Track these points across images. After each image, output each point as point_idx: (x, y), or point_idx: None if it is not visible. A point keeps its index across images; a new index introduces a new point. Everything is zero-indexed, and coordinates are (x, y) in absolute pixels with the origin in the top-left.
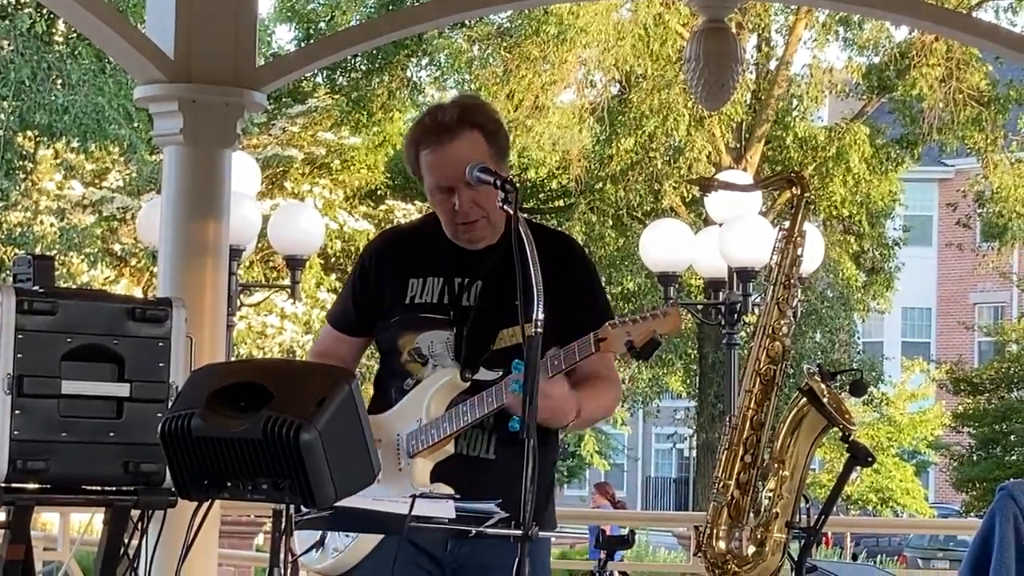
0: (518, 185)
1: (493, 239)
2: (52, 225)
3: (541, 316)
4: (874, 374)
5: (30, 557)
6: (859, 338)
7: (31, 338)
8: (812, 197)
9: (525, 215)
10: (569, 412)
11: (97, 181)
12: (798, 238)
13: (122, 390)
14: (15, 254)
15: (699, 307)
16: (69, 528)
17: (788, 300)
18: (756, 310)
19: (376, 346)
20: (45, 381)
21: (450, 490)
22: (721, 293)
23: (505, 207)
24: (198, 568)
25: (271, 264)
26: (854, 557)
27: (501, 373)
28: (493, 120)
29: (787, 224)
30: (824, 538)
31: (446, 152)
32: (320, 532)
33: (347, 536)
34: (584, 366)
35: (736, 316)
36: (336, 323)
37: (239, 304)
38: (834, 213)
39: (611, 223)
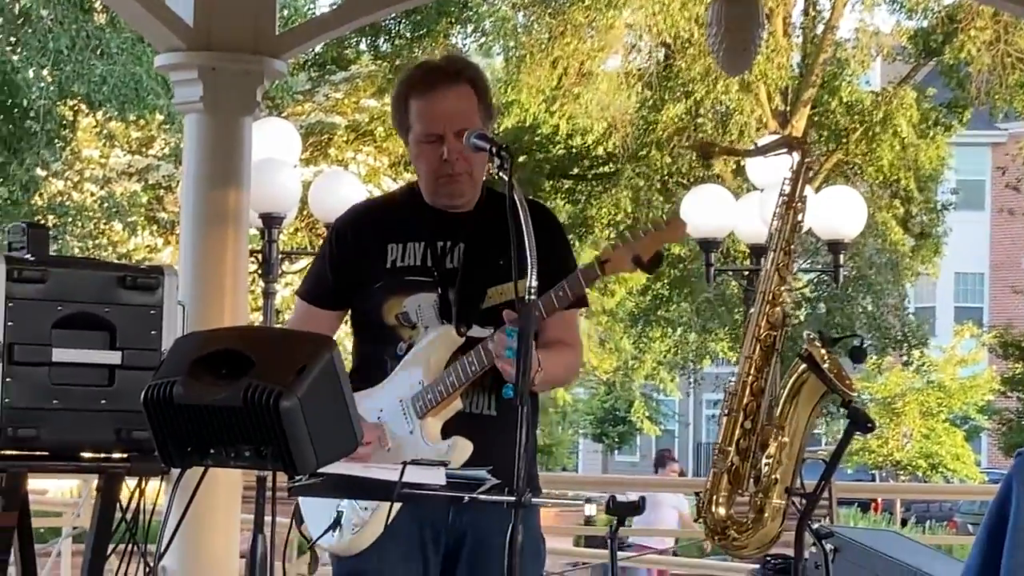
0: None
1: (471, 202)
2: (92, 194)
3: (535, 283)
4: (918, 338)
5: (26, 523)
6: (910, 303)
7: (21, 306)
8: (812, 163)
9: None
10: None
11: (143, 149)
12: (798, 203)
13: (113, 358)
14: (55, 223)
15: (745, 273)
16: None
17: (788, 266)
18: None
19: (355, 318)
20: (36, 349)
21: (469, 444)
22: (764, 259)
23: (501, 174)
24: (221, 533)
25: (316, 231)
26: (903, 523)
27: (493, 330)
28: (484, 80)
29: (787, 190)
30: (874, 504)
31: (440, 99)
32: (335, 512)
33: (365, 510)
34: (547, 331)
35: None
36: (311, 297)
37: (280, 271)
38: (881, 178)
39: (658, 189)
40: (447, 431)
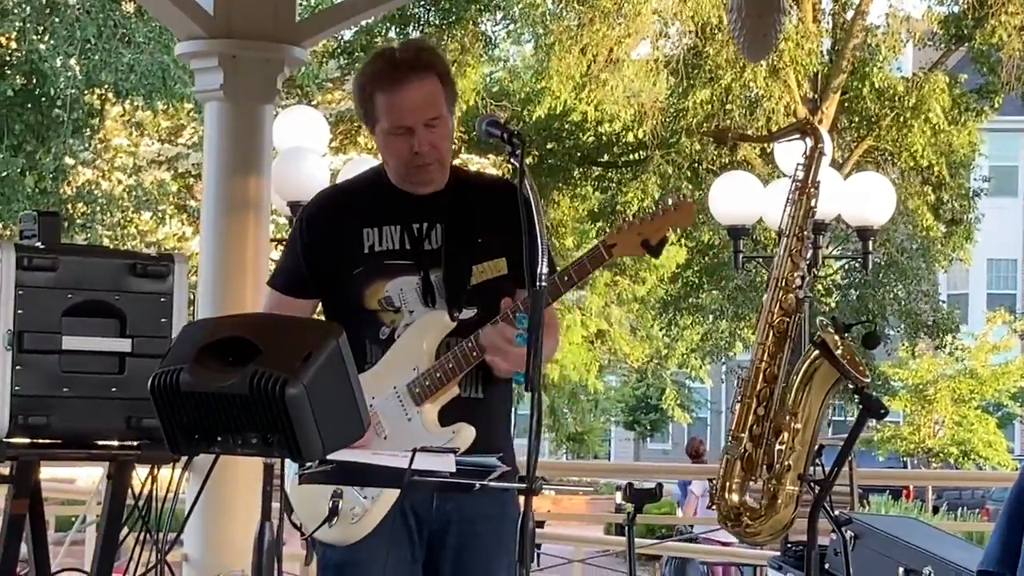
0: (594, 139)
1: (440, 184)
2: (120, 183)
3: (546, 270)
4: (950, 325)
5: (38, 510)
6: (942, 290)
7: (31, 294)
8: (824, 148)
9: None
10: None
11: (172, 138)
12: (811, 189)
13: (123, 345)
14: (84, 212)
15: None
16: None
17: (802, 252)
18: (826, 261)
19: (331, 304)
20: (46, 337)
21: (472, 430)
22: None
23: (512, 160)
24: (241, 520)
25: None
26: (935, 510)
27: (476, 310)
28: (446, 65)
29: (800, 175)
30: (906, 491)
31: (407, 93)
32: (331, 504)
33: (366, 498)
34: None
35: (808, 269)
36: (284, 286)
37: None
38: (912, 164)
39: (687, 176)
40: (443, 415)
